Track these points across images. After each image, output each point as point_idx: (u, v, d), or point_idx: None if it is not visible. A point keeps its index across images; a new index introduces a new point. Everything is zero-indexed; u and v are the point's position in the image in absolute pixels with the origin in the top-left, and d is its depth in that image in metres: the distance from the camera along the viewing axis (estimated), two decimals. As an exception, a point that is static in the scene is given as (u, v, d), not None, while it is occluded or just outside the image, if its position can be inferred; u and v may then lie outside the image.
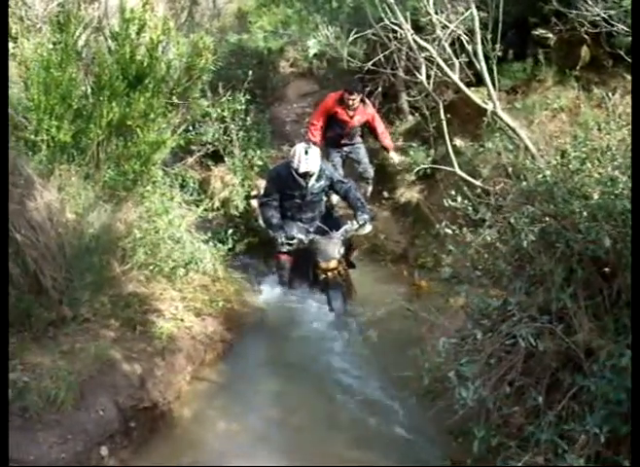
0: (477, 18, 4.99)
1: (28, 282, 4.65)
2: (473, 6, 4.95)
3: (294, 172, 6.24)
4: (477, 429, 3.40)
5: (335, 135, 7.77)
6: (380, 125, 7.81)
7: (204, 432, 4.66)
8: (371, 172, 7.98)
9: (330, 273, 6.24)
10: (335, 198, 7.07)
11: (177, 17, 11.26)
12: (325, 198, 6.74)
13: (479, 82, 5.97)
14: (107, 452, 4.23)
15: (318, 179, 6.35)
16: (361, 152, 7.89)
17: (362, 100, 7.58)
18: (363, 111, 7.62)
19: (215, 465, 4.32)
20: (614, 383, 3.15)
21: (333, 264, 6.23)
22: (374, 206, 7.99)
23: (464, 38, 5.23)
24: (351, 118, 7.57)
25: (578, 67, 7.13)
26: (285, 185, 6.38)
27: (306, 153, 6.18)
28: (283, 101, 11.18)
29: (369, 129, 7.86)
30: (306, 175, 6.25)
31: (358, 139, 7.87)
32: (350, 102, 7.47)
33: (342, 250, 6.33)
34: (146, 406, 4.61)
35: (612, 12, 5.83)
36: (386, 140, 7.85)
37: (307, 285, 6.58)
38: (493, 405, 3.50)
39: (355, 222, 6.31)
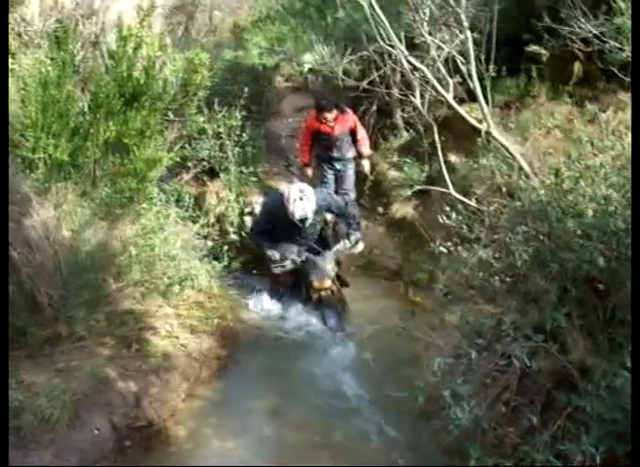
0: (470, 41, 5.02)
1: (24, 299, 4.66)
2: (467, 31, 4.97)
3: (290, 216, 6.05)
4: (472, 449, 3.40)
5: (323, 149, 7.81)
6: (360, 132, 7.80)
7: (199, 451, 4.65)
8: (351, 196, 7.92)
9: (323, 292, 6.26)
10: (328, 216, 7.08)
11: (173, 33, 11.33)
12: (318, 225, 6.62)
13: (472, 98, 5.99)
14: (104, 468, 4.24)
15: (315, 215, 6.20)
16: (348, 174, 7.89)
17: (340, 109, 7.59)
18: (343, 119, 7.63)
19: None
20: (609, 403, 3.15)
21: (327, 283, 6.25)
22: (369, 222, 8.00)
23: (458, 58, 5.26)
24: (332, 128, 7.60)
25: (571, 83, 7.17)
26: (279, 222, 6.23)
27: (302, 199, 5.99)
28: (278, 116, 11.21)
29: (352, 137, 7.84)
30: (303, 220, 6.11)
31: (349, 153, 7.85)
32: (326, 120, 7.50)
33: (335, 268, 6.34)
34: (141, 424, 4.62)
35: (603, 29, 5.87)
36: (363, 147, 7.82)
37: (301, 303, 6.55)
38: (488, 425, 3.51)
39: (347, 241, 6.32)
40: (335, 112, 7.49)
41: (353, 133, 7.76)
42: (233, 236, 7.57)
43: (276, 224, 6.29)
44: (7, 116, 4.28)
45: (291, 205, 6.01)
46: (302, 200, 6.00)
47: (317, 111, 7.56)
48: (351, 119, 7.71)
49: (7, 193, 4.16)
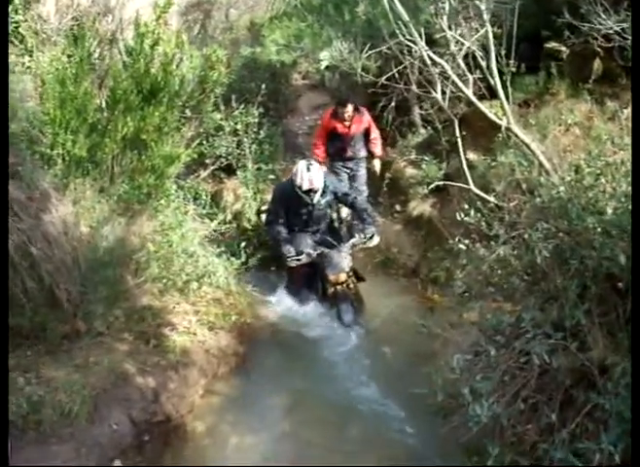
0: (491, 36, 4.99)
1: (43, 295, 4.68)
2: (488, 25, 4.94)
3: (298, 190, 6.22)
4: (491, 446, 3.38)
5: (337, 149, 7.82)
6: (374, 132, 7.84)
7: (217, 446, 4.67)
8: (363, 194, 7.87)
9: (339, 286, 6.25)
10: (344, 212, 7.07)
11: (190, 30, 11.36)
12: (329, 211, 6.75)
13: (492, 95, 5.96)
14: (121, 465, 4.25)
15: (323, 195, 6.34)
16: (360, 173, 7.92)
17: (356, 109, 7.62)
18: (359, 119, 7.67)
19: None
20: (628, 401, 3.12)
21: (342, 277, 6.26)
22: (386, 220, 7.98)
23: (478, 53, 5.23)
24: (348, 128, 7.61)
25: (591, 80, 7.09)
26: (290, 203, 6.37)
27: (308, 170, 6.15)
28: (295, 114, 11.20)
29: (365, 137, 7.85)
30: (310, 192, 6.23)
31: (362, 152, 7.87)
32: (345, 115, 7.53)
33: (351, 263, 6.33)
34: (159, 419, 4.63)
35: (625, 25, 5.81)
36: (375, 148, 7.86)
37: (318, 298, 6.56)
38: (507, 422, 3.48)
39: (363, 235, 6.31)
40: (351, 108, 7.51)
41: (367, 133, 7.78)
42: (251, 233, 7.59)
43: (288, 206, 6.39)
44: (6, 114, 4.29)
45: (298, 178, 6.16)
46: (309, 172, 6.13)
47: (335, 106, 7.58)
48: (366, 119, 7.73)
49: (7, 192, 4.18)
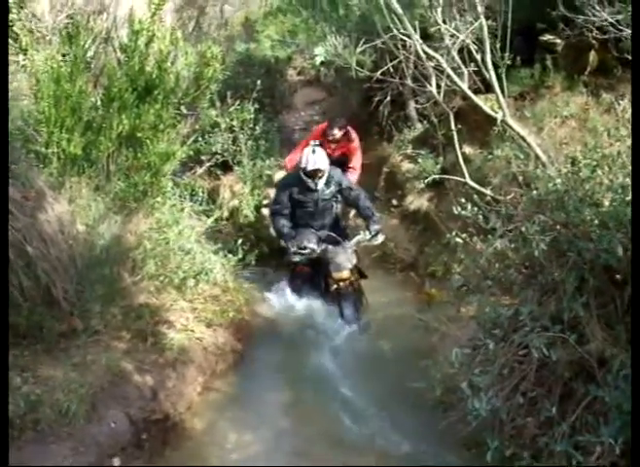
0: (485, 29, 4.98)
1: (40, 294, 4.65)
2: (482, 17, 4.93)
3: (303, 175, 6.27)
4: (490, 440, 3.39)
5: None
6: (354, 161, 7.65)
7: (216, 443, 4.66)
8: None
9: (342, 283, 6.23)
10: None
11: (185, 27, 11.33)
12: (334, 205, 6.71)
13: (487, 89, 5.96)
14: (119, 465, 4.23)
15: (327, 184, 6.38)
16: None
17: (346, 134, 7.55)
18: (346, 145, 7.59)
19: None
20: (628, 393, 3.12)
21: (345, 274, 6.22)
22: (383, 214, 7.96)
23: (473, 46, 5.22)
24: (333, 150, 7.48)
25: (586, 72, 7.09)
26: (295, 191, 6.38)
27: (314, 152, 6.26)
28: (291, 109, 11.19)
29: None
30: (316, 175, 6.26)
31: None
32: (330, 137, 7.46)
33: (355, 260, 6.31)
34: (158, 417, 4.61)
35: (619, 17, 5.80)
36: (350, 176, 7.43)
37: (319, 295, 6.53)
38: (506, 415, 3.49)
39: (367, 232, 6.30)
40: (341, 132, 7.47)
41: (346, 157, 7.67)
42: (248, 230, 7.57)
43: (293, 195, 6.40)
44: (7, 115, 4.26)
45: (304, 159, 6.29)
46: (314, 154, 6.26)
47: (327, 125, 7.54)
48: (352, 146, 7.64)
49: (7, 192, 4.16)
